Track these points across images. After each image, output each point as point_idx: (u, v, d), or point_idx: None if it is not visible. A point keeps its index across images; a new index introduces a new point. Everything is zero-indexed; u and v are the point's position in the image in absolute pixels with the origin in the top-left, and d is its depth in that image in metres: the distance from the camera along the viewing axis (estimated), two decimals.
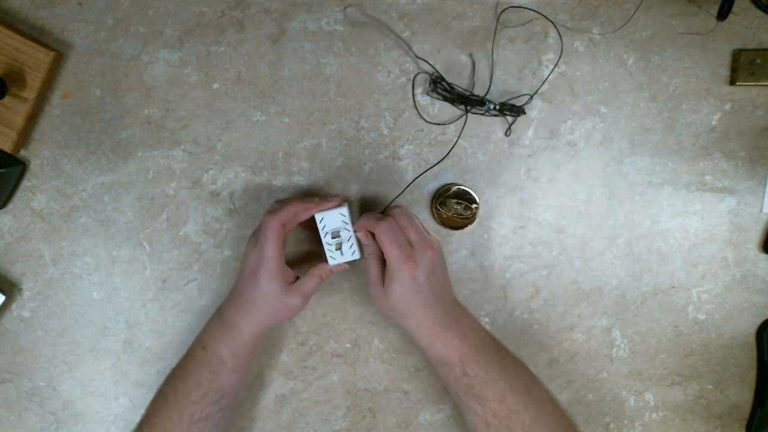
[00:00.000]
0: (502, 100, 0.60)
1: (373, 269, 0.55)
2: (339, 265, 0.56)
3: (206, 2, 0.61)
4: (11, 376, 0.64)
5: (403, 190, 0.61)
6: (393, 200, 0.61)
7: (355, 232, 0.55)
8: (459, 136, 0.60)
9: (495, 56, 0.61)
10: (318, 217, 0.55)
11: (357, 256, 0.56)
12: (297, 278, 0.56)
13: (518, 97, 0.61)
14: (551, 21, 0.60)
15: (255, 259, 0.54)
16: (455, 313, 0.55)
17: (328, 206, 0.55)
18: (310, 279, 0.55)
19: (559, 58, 0.60)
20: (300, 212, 0.55)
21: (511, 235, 0.62)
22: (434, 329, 0.53)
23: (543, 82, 0.60)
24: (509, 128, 0.61)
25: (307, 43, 0.61)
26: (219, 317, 0.56)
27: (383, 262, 0.54)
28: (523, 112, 0.60)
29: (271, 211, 0.54)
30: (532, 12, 0.60)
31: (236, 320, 0.54)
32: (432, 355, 0.54)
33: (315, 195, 0.62)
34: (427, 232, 0.55)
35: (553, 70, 0.60)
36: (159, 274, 0.63)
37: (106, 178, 0.62)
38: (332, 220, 0.55)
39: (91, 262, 0.63)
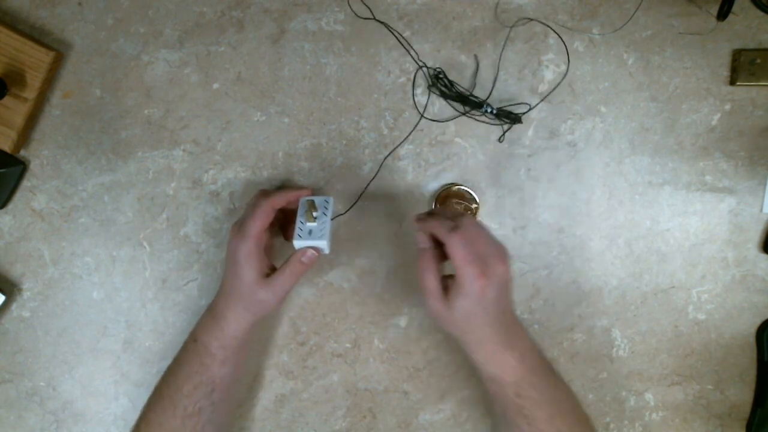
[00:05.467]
0: (501, 102, 0.60)
1: (431, 281, 0.50)
2: (307, 254, 0.54)
3: (206, 2, 0.61)
4: (11, 376, 0.64)
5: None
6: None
7: (417, 229, 0.52)
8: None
9: (495, 56, 0.61)
10: (303, 198, 0.55)
11: (324, 244, 0.54)
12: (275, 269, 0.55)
13: (517, 104, 0.61)
14: (555, 31, 0.60)
15: (236, 240, 0.53)
16: (515, 331, 0.52)
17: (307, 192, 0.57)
18: (282, 272, 0.54)
19: (567, 70, 0.60)
20: (292, 199, 0.56)
21: (511, 235, 0.62)
22: (494, 348, 0.51)
23: (543, 98, 0.60)
24: (503, 135, 0.61)
25: (307, 43, 0.61)
26: (209, 309, 0.57)
27: (439, 272, 0.51)
28: (520, 122, 0.60)
29: (265, 194, 0.54)
30: (531, 11, 0.60)
31: (222, 311, 0.55)
32: (484, 372, 0.52)
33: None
34: (498, 243, 0.52)
35: (559, 83, 0.60)
36: (159, 274, 0.63)
37: (106, 178, 0.62)
38: (316, 204, 0.55)
39: (91, 262, 0.63)
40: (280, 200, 0.54)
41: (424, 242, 0.52)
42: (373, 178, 0.62)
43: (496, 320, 0.50)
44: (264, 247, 0.55)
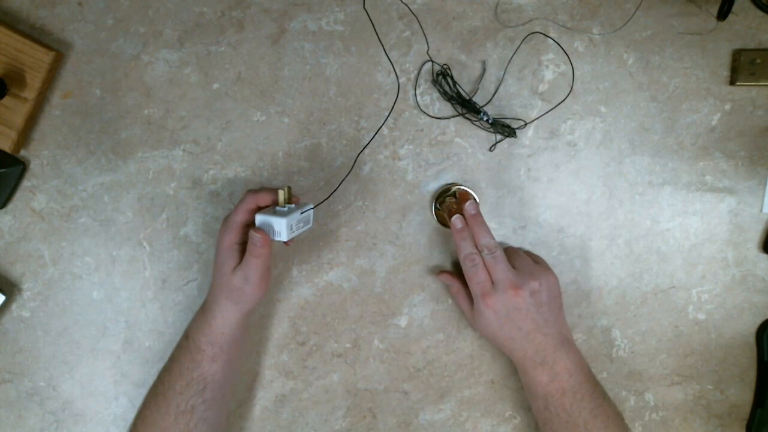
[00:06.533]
0: (500, 101, 0.60)
1: (462, 305, 0.60)
2: (254, 236, 0.51)
3: (206, 2, 0.61)
4: (11, 376, 0.64)
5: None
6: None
7: (438, 274, 0.61)
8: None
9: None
10: (282, 191, 0.54)
11: (281, 224, 0.52)
12: None
13: (514, 119, 0.61)
14: (555, 40, 0.60)
15: (220, 233, 0.54)
16: (555, 352, 0.54)
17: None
18: (246, 257, 0.53)
19: (570, 90, 0.60)
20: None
21: (511, 235, 0.62)
22: (524, 362, 0.55)
23: (540, 115, 0.60)
24: (494, 145, 0.61)
25: (307, 43, 0.61)
26: (201, 306, 0.57)
27: (467, 296, 0.59)
28: (514, 136, 0.60)
29: (252, 191, 0.54)
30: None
31: (211, 306, 0.55)
32: (521, 378, 0.57)
33: (312, 199, 0.62)
34: (534, 264, 0.57)
35: (563, 100, 0.60)
36: (159, 274, 0.63)
37: (106, 178, 0.62)
38: (292, 194, 0.54)
39: (91, 262, 0.63)
40: (264, 197, 0.54)
41: (448, 280, 0.61)
42: (349, 173, 0.62)
43: (519, 338, 0.54)
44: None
